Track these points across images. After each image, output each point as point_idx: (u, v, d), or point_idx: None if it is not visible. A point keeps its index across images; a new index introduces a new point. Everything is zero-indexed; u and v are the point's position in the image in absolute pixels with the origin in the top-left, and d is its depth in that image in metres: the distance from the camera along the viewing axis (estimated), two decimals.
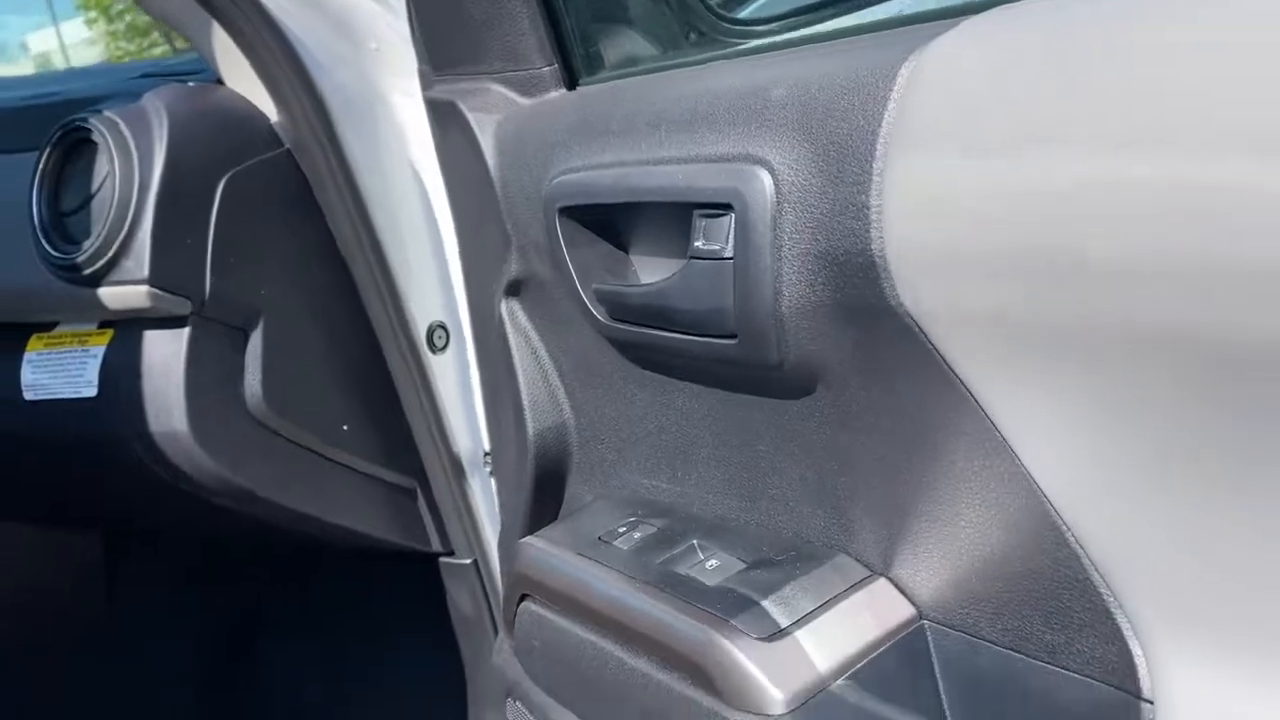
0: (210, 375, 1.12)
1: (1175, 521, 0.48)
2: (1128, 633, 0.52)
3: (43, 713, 1.74)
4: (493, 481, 1.39)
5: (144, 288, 1.06)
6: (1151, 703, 0.51)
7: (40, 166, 1.12)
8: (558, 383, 0.90)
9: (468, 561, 1.36)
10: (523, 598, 0.84)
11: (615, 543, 0.78)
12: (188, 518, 1.37)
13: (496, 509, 1.39)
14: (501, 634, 1.16)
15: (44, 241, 1.11)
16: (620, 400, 0.83)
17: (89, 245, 1.07)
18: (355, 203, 1.14)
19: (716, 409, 0.74)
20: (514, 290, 0.89)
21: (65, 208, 1.12)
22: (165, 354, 1.11)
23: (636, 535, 0.79)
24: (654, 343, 0.72)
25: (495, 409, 1.09)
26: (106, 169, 1.07)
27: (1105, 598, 0.52)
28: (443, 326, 1.29)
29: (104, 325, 1.16)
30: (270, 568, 1.82)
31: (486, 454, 1.37)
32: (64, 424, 1.18)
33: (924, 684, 0.63)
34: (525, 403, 0.91)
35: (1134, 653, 0.52)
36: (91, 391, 1.14)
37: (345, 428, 1.24)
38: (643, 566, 0.74)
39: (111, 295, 1.08)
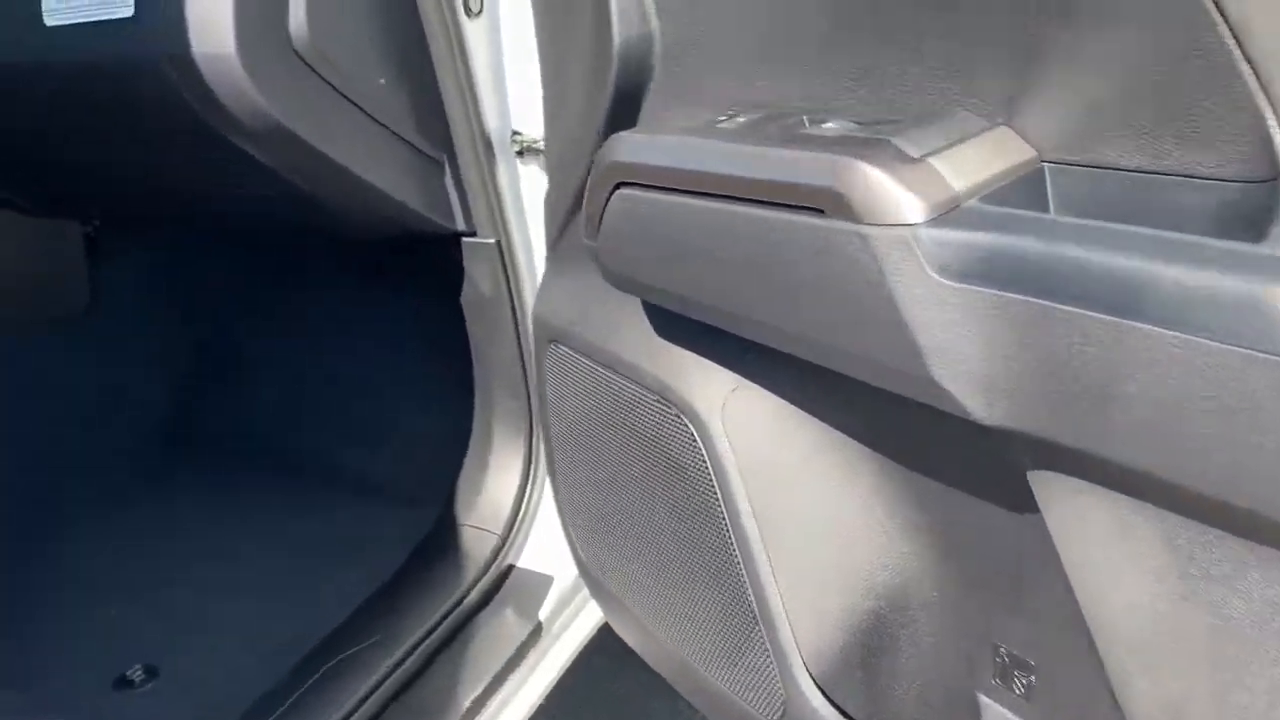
0: (258, 1, 1.09)
1: None
2: (1270, 120, 0.56)
3: (23, 389, 1.74)
4: (518, 163, 1.39)
5: None
6: None
7: None
8: None
9: (491, 241, 1.38)
10: (616, 187, 0.86)
11: (719, 125, 0.81)
12: (199, 172, 1.34)
13: (521, 191, 1.40)
14: (543, 280, 1.18)
15: None
16: None
17: None
18: None
19: None
20: None
21: None
22: None
23: (741, 119, 0.81)
24: None
25: (553, 51, 1.09)
26: None
27: (1251, 84, 0.56)
28: None
29: None
30: (257, 263, 1.81)
31: (515, 133, 1.37)
32: (90, 47, 1.14)
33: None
34: (613, 10, 0.91)
35: (1274, 137, 0.56)
36: (128, 12, 1.10)
37: (382, 81, 1.22)
38: (755, 134, 0.76)
39: None
